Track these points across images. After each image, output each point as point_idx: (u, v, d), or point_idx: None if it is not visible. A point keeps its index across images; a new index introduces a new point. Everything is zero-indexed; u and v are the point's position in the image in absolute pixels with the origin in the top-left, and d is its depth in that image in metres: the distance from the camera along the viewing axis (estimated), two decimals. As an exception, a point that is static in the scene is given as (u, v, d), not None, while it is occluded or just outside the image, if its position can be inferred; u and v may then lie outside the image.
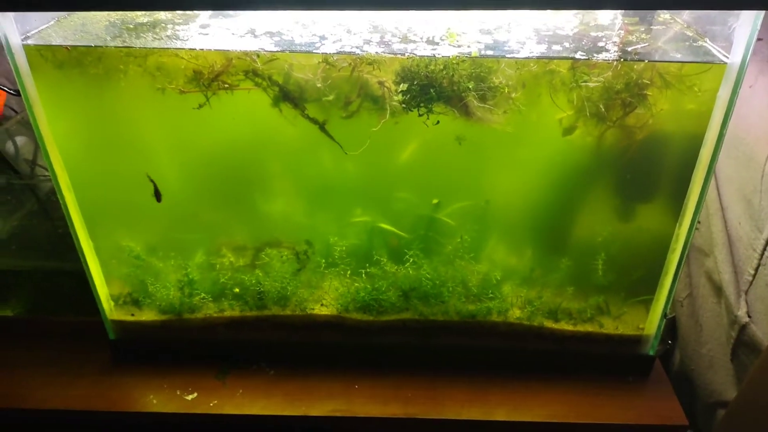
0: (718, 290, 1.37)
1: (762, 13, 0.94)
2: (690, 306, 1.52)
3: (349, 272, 1.37)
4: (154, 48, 1.12)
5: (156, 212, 1.31)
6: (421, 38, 1.14)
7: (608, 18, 1.22)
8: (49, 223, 1.52)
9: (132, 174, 1.26)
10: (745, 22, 0.97)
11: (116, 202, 1.32)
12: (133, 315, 1.42)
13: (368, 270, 1.36)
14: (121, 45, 1.12)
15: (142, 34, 1.16)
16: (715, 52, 1.08)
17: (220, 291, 1.40)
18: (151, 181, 1.25)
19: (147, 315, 1.42)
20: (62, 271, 1.50)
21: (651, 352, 1.39)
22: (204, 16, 1.24)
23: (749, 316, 1.26)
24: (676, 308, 1.57)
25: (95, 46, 1.13)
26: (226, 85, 1.15)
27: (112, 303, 1.41)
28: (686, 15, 1.21)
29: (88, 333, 1.48)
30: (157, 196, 1.25)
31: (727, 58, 1.03)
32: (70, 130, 1.21)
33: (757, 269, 1.24)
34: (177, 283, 1.39)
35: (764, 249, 1.21)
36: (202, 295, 1.40)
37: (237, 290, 1.39)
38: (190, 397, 1.37)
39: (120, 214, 1.34)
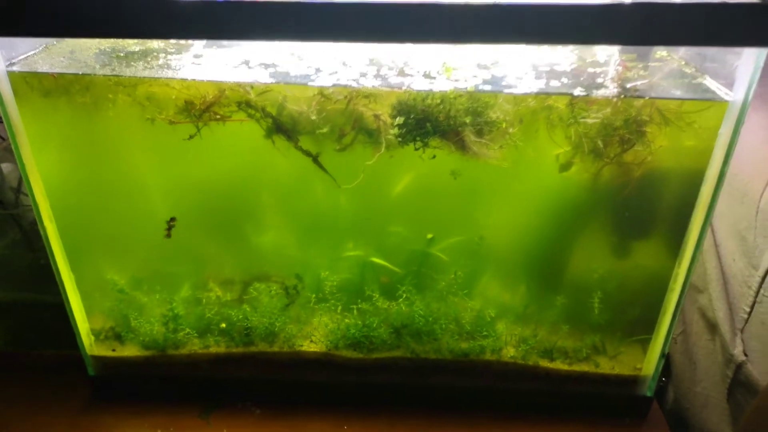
0: (712, 327, 1.36)
1: (765, 50, 0.93)
2: (684, 343, 1.51)
3: (339, 308, 1.35)
4: (144, 77, 1.10)
5: (141, 245, 1.29)
6: (418, 72, 1.13)
7: (605, 54, 1.22)
8: (31, 254, 1.48)
9: (117, 205, 1.24)
10: (748, 59, 0.97)
11: (100, 234, 1.29)
12: (114, 350, 1.38)
13: (359, 306, 1.34)
14: (109, 73, 1.10)
15: (132, 63, 1.15)
16: (715, 89, 1.07)
17: (206, 326, 1.37)
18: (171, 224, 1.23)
19: (129, 350, 1.38)
20: (42, 303, 1.46)
21: (649, 393, 1.37)
22: (198, 46, 1.23)
23: (745, 355, 1.25)
24: (670, 345, 1.55)
25: (83, 74, 1.11)
26: (218, 116, 1.13)
27: (93, 338, 1.37)
28: (683, 52, 1.21)
29: (67, 368, 1.44)
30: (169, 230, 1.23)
31: (729, 95, 1.02)
32: (54, 159, 1.19)
33: (752, 307, 1.23)
34: (161, 317, 1.36)
35: (760, 286, 1.20)
36: (187, 330, 1.37)
37: (223, 326, 1.36)
38: (171, 437, 1.32)
39: (104, 246, 1.31)
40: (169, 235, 1.23)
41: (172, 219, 1.22)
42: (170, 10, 0.92)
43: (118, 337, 1.38)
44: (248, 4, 0.90)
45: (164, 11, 0.92)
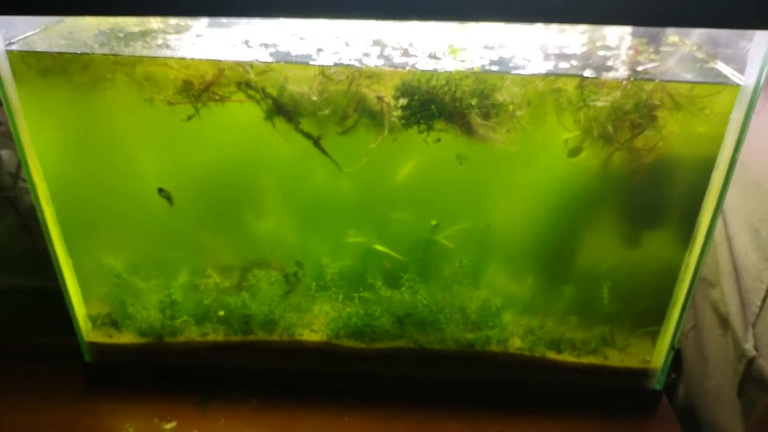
0: (724, 322, 1.34)
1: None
2: (695, 338, 1.49)
3: (341, 296, 1.33)
4: (142, 56, 1.09)
5: (139, 229, 1.27)
6: (423, 52, 1.11)
7: (616, 38, 1.19)
8: (29, 238, 1.46)
9: (116, 188, 1.23)
10: (760, 42, 0.94)
11: (99, 218, 1.28)
12: (111, 337, 1.37)
13: (361, 294, 1.32)
14: (108, 52, 1.08)
15: (131, 43, 1.13)
16: (727, 73, 1.05)
17: (204, 314, 1.35)
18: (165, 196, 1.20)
19: (126, 337, 1.37)
20: (38, 289, 1.44)
21: (658, 387, 1.35)
22: (198, 26, 1.21)
23: (756, 350, 1.23)
24: (681, 340, 1.54)
25: (81, 53, 1.09)
26: (217, 97, 1.11)
27: (90, 324, 1.36)
28: (695, 36, 1.18)
29: (63, 355, 1.43)
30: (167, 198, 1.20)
31: (741, 79, 1.00)
32: (52, 141, 1.18)
33: (764, 301, 1.21)
34: (159, 304, 1.34)
35: (773, 280, 1.18)
36: (185, 317, 1.35)
37: (221, 313, 1.34)
38: (168, 426, 1.31)
39: (102, 230, 1.30)
40: (171, 203, 1.20)
41: (160, 190, 1.19)
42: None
43: (115, 324, 1.37)
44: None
45: None
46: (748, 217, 1.27)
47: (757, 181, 1.24)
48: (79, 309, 1.33)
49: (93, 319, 1.36)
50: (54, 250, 1.25)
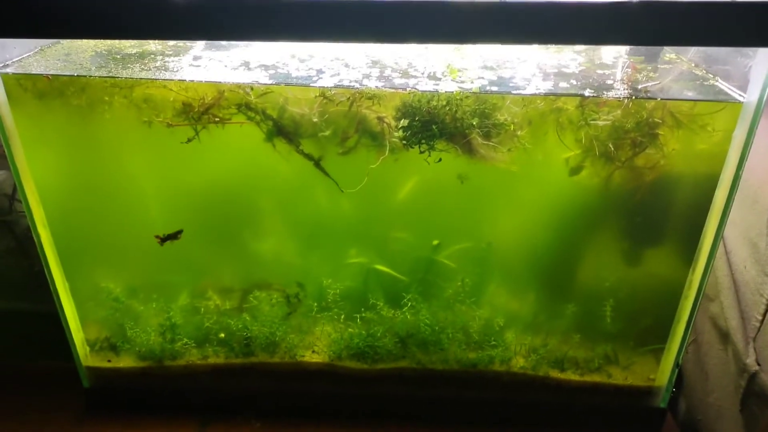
0: (724, 336, 1.33)
1: (782, 50, 0.91)
2: (695, 353, 1.48)
3: (342, 317, 1.32)
4: (140, 79, 1.08)
5: (138, 252, 1.26)
6: (423, 73, 1.11)
7: (613, 57, 1.20)
8: (26, 261, 1.45)
9: (113, 211, 1.22)
10: (762, 60, 0.94)
11: (96, 241, 1.26)
12: (109, 361, 1.35)
13: (363, 314, 1.31)
14: (105, 75, 1.08)
15: (129, 65, 1.13)
16: (728, 91, 1.05)
17: (204, 336, 1.34)
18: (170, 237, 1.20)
19: (125, 361, 1.35)
20: (36, 312, 1.42)
21: (662, 405, 1.34)
22: (197, 48, 1.21)
23: (759, 364, 1.22)
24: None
25: (77, 76, 1.08)
26: (217, 119, 1.10)
27: (88, 348, 1.35)
28: (691, 54, 1.19)
29: (61, 380, 1.41)
30: (166, 238, 1.19)
31: (743, 97, 0.99)
32: (48, 164, 1.17)
33: (764, 315, 1.21)
34: (158, 327, 1.33)
35: (772, 294, 1.17)
36: (185, 340, 1.34)
37: (222, 335, 1.33)
38: (169, 452, 1.29)
39: (99, 254, 1.28)
40: (161, 243, 1.19)
41: (179, 232, 1.18)
42: (168, 10, 0.90)
43: (114, 348, 1.35)
44: (250, 3, 0.88)
45: (162, 11, 0.90)
46: (746, 231, 1.27)
47: (754, 196, 1.24)
48: (77, 333, 1.31)
49: (91, 344, 1.35)
50: (50, 274, 1.23)
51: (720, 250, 1.34)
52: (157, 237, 1.19)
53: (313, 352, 1.34)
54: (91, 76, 1.08)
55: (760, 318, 1.21)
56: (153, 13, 0.91)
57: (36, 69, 1.10)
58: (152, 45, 1.21)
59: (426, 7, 0.88)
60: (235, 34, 0.94)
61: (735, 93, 1.04)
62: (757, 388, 1.22)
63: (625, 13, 0.87)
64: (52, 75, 1.08)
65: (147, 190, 1.21)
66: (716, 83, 1.09)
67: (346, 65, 1.13)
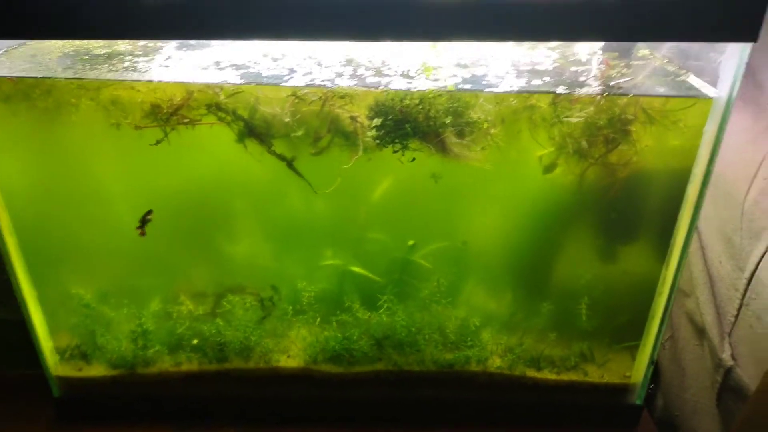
0: (700, 332, 1.35)
1: (749, 45, 0.91)
2: (672, 349, 1.49)
3: (318, 320, 1.30)
4: (107, 80, 1.06)
5: (108, 256, 1.24)
6: (396, 72, 1.10)
7: (587, 53, 1.20)
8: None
9: (82, 216, 1.20)
10: (732, 55, 0.95)
11: (64, 246, 1.24)
12: (80, 369, 1.33)
13: (339, 317, 1.29)
14: (71, 77, 1.05)
15: (97, 66, 1.11)
16: (699, 86, 1.06)
17: (177, 342, 1.32)
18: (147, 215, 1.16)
19: (96, 370, 1.33)
20: (3, 321, 1.38)
21: (638, 402, 1.34)
22: (168, 47, 1.19)
23: (734, 359, 1.23)
24: (659, 351, 1.54)
25: (43, 78, 1.05)
26: (187, 120, 1.08)
27: (58, 357, 1.32)
28: (665, 50, 1.20)
29: (30, 389, 1.38)
30: (143, 227, 1.16)
31: (714, 92, 1.00)
32: (13, 168, 1.15)
33: (739, 309, 1.22)
34: (130, 333, 1.30)
35: (746, 288, 1.19)
36: (158, 347, 1.31)
37: (195, 341, 1.31)
38: (143, 461, 1.27)
39: (69, 259, 1.26)
40: (143, 233, 1.17)
41: (149, 212, 1.15)
42: (135, 9, 0.89)
43: (85, 356, 1.33)
44: (221, 1, 0.87)
45: (129, 10, 0.89)
46: (720, 226, 1.28)
47: (728, 191, 1.26)
48: (46, 342, 1.28)
49: (61, 352, 1.32)
50: (17, 282, 1.20)
51: (695, 245, 1.35)
52: (138, 229, 1.16)
53: (289, 356, 1.33)
54: (56, 78, 1.06)
55: (735, 313, 1.22)
56: (122, 13, 0.90)
57: (0, 71, 1.07)
58: (122, 45, 1.19)
59: (399, 4, 0.88)
60: (205, 33, 0.94)
61: (706, 89, 1.04)
62: (732, 383, 1.23)
63: (599, 9, 0.88)
64: (16, 77, 1.06)
65: (116, 194, 1.19)
66: (688, 79, 1.10)
67: (319, 64, 1.12)
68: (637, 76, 1.11)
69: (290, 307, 1.30)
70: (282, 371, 1.32)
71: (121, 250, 1.23)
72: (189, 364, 1.33)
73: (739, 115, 1.22)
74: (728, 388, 1.25)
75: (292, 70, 1.10)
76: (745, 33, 0.88)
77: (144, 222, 1.16)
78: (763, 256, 1.17)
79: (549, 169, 1.13)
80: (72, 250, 1.24)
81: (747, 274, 1.18)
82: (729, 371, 1.24)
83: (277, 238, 1.26)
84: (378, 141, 1.09)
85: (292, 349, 1.33)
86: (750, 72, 1.16)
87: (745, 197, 1.20)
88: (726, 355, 1.24)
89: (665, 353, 1.52)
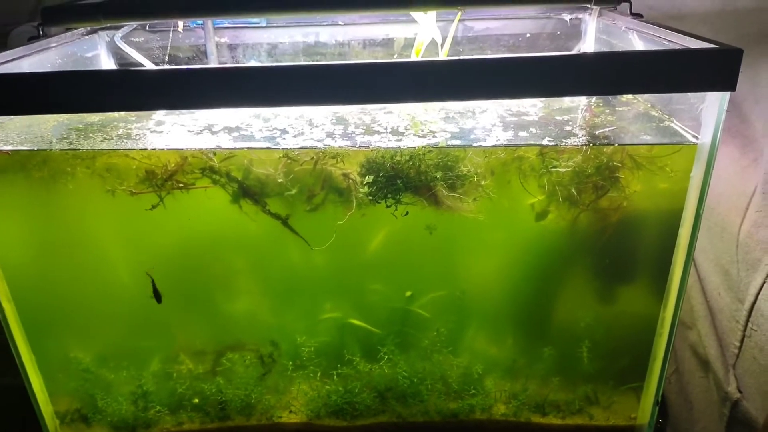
0: (704, 364, 1.34)
1: (728, 94, 0.93)
2: (678, 382, 1.48)
3: (319, 374, 1.29)
4: (102, 149, 1.07)
5: (107, 320, 1.23)
6: (386, 129, 1.12)
7: (572, 101, 1.22)
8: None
9: (80, 280, 1.20)
10: (712, 102, 0.97)
11: (62, 311, 1.24)
12: (81, 434, 1.30)
13: (340, 370, 1.28)
14: (66, 147, 1.07)
15: (90, 134, 1.13)
16: (683, 132, 1.07)
17: (178, 402, 1.30)
18: (151, 279, 1.17)
19: (97, 433, 1.31)
20: (2, 386, 1.37)
21: (646, 442, 1.32)
22: (160, 112, 1.20)
23: (740, 392, 1.22)
24: (664, 385, 1.52)
25: (38, 150, 1.07)
26: (181, 185, 1.09)
27: (58, 421, 1.31)
28: (647, 95, 1.22)
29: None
30: (156, 296, 1.16)
31: (697, 138, 1.02)
32: (10, 236, 1.16)
33: (742, 341, 1.21)
34: (130, 395, 1.29)
35: (747, 320, 1.19)
36: (158, 407, 1.30)
37: (196, 400, 1.30)
38: None
39: (67, 325, 1.26)
40: (159, 300, 1.17)
41: (152, 280, 1.16)
42: (133, 81, 0.91)
43: (85, 419, 1.31)
44: (213, 71, 0.89)
45: (127, 82, 0.92)
46: (717, 258, 1.28)
47: (722, 224, 1.26)
48: (45, 407, 1.27)
49: (61, 416, 1.30)
50: (17, 348, 1.20)
51: (693, 277, 1.35)
52: (154, 297, 1.16)
53: (291, 411, 1.31)
54: (51, 150, 1.08)
55: (737, 344, 1.21)
56: (118, 86, 0.92)
57: (-4, 144, 1.09)
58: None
59: (386, 68, 0.90)
60: (198, 103, 0.95)
61: (689, 134, 1.06)
62: (740, 416, 1.22)
63: (582, 65, 0.91)
64: (10, 150, 1.08)
65: (114, 258, 1.19)
66: (672, 124, 1.12)
67: (310, 123, 1.14)
68: (621, 122, 1.13)
69: (290, 362, 1.29)
70: (284, 427, 1.31)
71: (120, 313, 1.22)
72: (190, 423, 1.31)
73: (726, 148, 1.23)
74: (737, 420, 1.24)
75: (283, 131, 1.11)
76: (724, 83, 0.90)
77: (155, 290, 1.16)
78: (761, 288, 1.17)
79: (541, 216, 1.14)
80: (70, 314, 1.24)
81: (747, 306, 1.18)
82: (736, 404, 1.23)
83: (275, 294, 1.26)
84: (371, 197, 1.09)
85: (294, 405, 1.31)
86: (735, 105, 1.18)
87: (739, 229, 1.20)
88: (732, 388, 1.23)
89: (671, 387, 1.50)
